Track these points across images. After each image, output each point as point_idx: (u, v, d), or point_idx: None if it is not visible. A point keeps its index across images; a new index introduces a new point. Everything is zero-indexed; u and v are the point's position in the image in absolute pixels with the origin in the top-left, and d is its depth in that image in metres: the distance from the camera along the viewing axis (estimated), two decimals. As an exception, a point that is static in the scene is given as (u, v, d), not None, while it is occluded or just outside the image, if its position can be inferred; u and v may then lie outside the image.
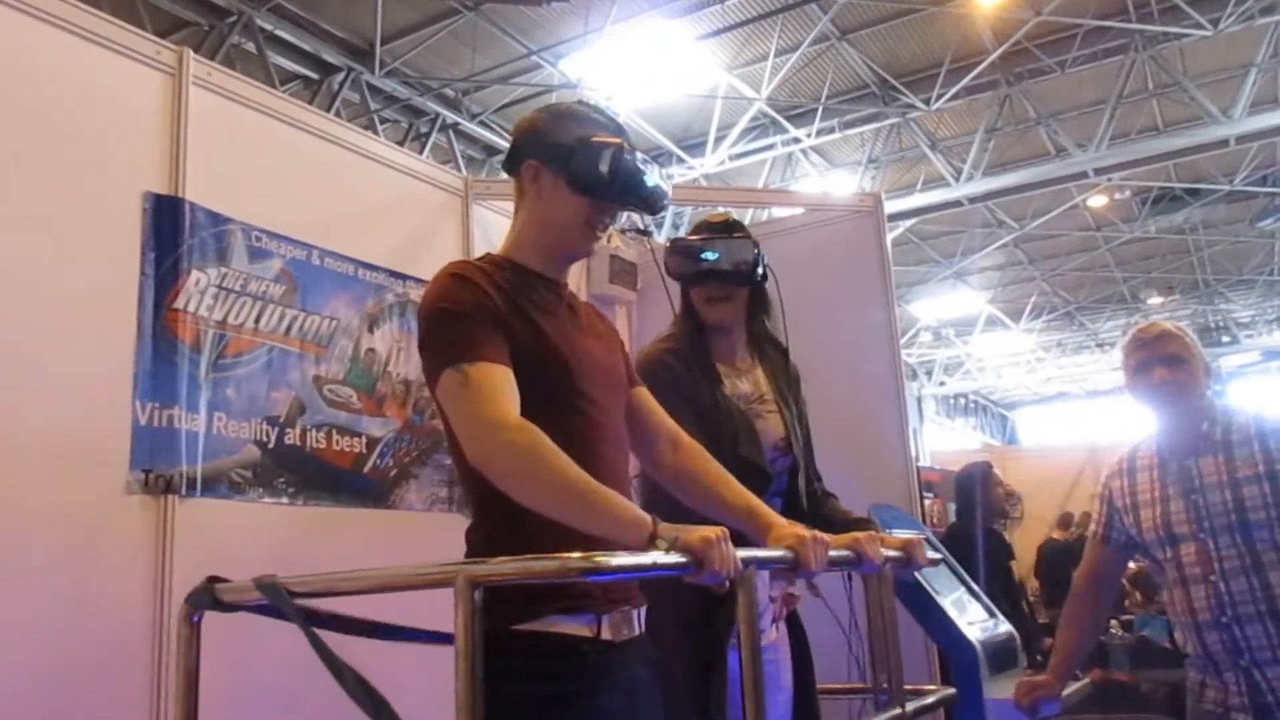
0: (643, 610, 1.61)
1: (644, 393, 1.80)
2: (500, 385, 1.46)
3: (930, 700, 1.96)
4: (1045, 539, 8.22)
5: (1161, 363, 2.33)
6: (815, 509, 2.15)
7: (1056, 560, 7.36)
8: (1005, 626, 3.04)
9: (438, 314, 1.52)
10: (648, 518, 1.37)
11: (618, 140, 1.62)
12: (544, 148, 1.63)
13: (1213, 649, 2.22)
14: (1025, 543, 5.65)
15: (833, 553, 1.61)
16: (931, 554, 2.02)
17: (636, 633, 1.58)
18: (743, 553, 1.38)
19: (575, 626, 1.47)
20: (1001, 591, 4.27)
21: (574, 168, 1.60)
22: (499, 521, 1.50)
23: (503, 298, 1.55)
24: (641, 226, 2.54)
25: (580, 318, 1.71)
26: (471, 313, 1.50)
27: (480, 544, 1.55)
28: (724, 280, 2.17)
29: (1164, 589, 2.39)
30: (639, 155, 1.64)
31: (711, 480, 1.73)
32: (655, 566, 1.32)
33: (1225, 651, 2.20)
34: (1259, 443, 2.26)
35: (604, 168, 1.59)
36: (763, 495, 2.07)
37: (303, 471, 2.63)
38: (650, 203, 1.68)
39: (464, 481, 1.59)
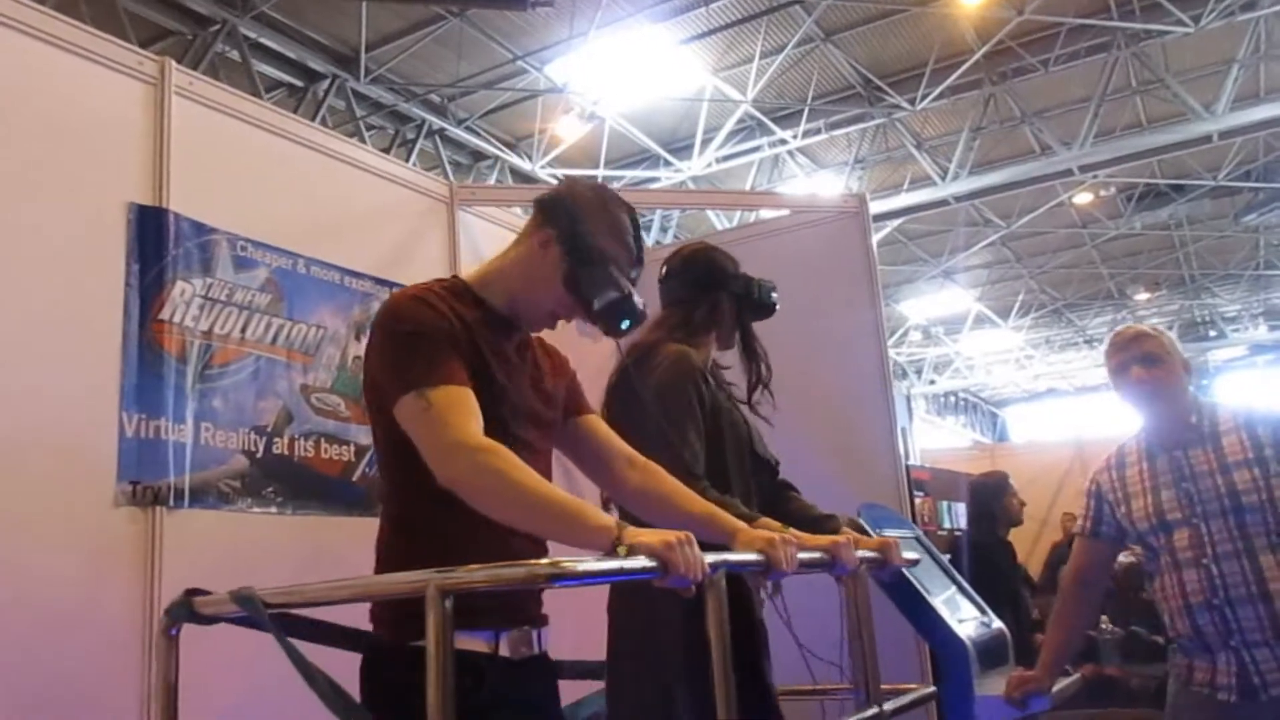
0: (545, 631, 1.62)
1: (594, 420, 1.80)
2: (462, 406, 1.47)
3: (908, 699, 1.96)
4: (1054, 542, 8.28)
5: (1138, 362, 2.41)
6: (779, 501, 2.23)
7: (1059, 559, 7.40)
8: (996, 624, 3.05)
9: (398, 336, 1.54)
10: (612, 523, 1.38)
11: (625, 292, 1.62)
12: (573, 233, 1.63)
13: (1205, 630, 2.28)
14: (1015, 536, 5.71)
15: (804, 554, 1.62)
16: (909, 554, 2.04)
17: (536, 652, 1.59)
18: (711, 556, 1.38)
19: (473, 642, 1.48)
20: (1010, 608, 4.27)
21: (579, 276, 1.61)
22: (420, 539, 1.53)
23: (460, 325, 1.56)
24: None
25: (528, 355, 1.72)
26: (430, 334, 1.52)
27: (393, 557, 1.56)
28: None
29: (1154, 576, 2.44)
30: (634, 296, 1.64)
31: (671, 495, 1.74)
32: (620, 572, 1.32)
33: (1217, 633, 2.26)
34: (1246, 431, 2.34)
35: (600, 303, 1.61)
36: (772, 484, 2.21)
37: (291, 481, 2.62)
38: (610, 330, 1.67)
39: (388, 496, 1.62)
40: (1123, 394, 2.47)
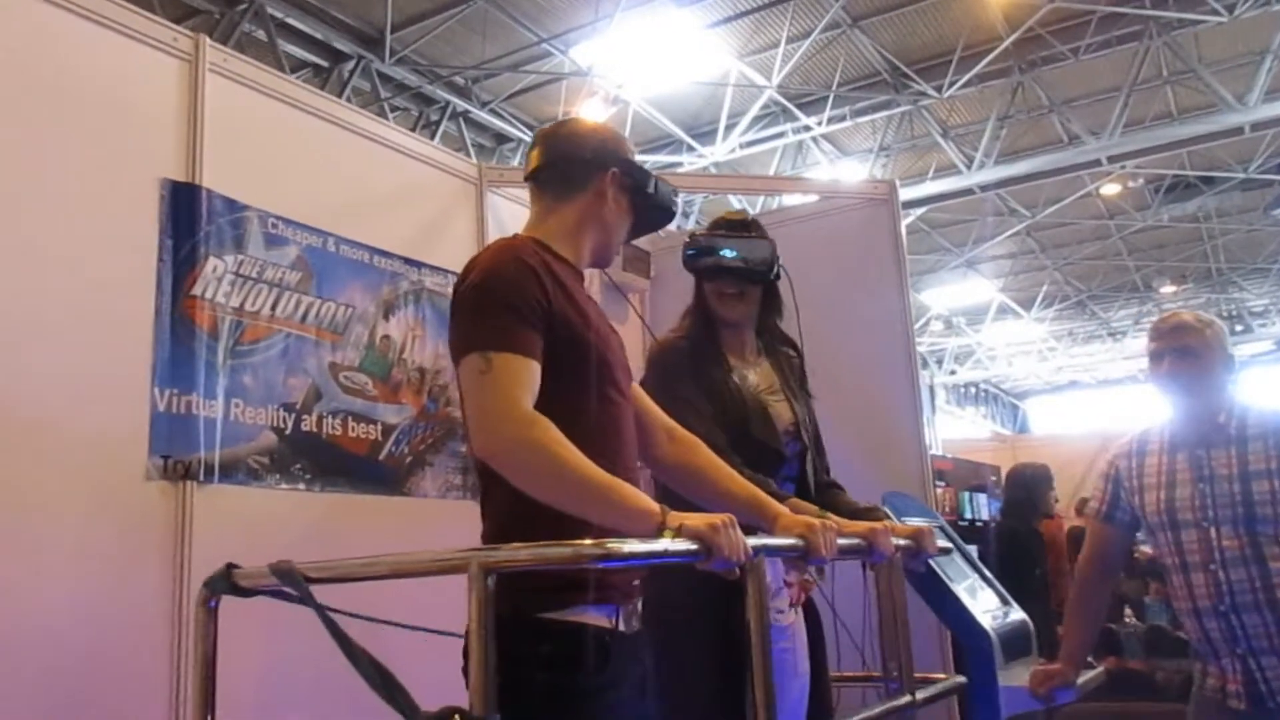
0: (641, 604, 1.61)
1: (638, 387, 1.81)
2: (520, 378, 1.45)
3: (940, 688, 1.96)
4: (1070, 526, 8.21)
5: (1172, 354, 2.36)
6: (823, 499, 2.17)
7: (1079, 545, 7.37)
8: (1019, 614, 3.04)
9: (484, 294, 1.51)
10: (657, 507, 1.38)
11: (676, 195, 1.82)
12: (628, 165, 1.73)
13: (1212, 635, 2.25)
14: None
15: (843, 540, 1.62)
16: (941, 543, 2.04)
17: (639, 625, 1.59)
18: (752, 541, 1.38)
19: (599, 618, 1.47)
20: (1040, 597, 4.28)
21: (652, 200, 1.76)
22: (513, 507, 1.48)
23: (556, 286, 1.55)
24: None
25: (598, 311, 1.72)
26: (517, 302, 1.49)
27: (496, 528, 1.54)
28: (739, 277, 2.22)
29: (1166, 574, 2.42)
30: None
31: (712, 472, 1.74)
32: (665, 554, 1.32)
33: (1223, 639, 2.23)
34: (1274, 439, 2.27)
35: (662, 204, 1.77)
36: (775, 476, 2.10)
37: (319, 458, 2.64)
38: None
39: (479, 466, 1.57)
40: (1154, 383, 2.42)
